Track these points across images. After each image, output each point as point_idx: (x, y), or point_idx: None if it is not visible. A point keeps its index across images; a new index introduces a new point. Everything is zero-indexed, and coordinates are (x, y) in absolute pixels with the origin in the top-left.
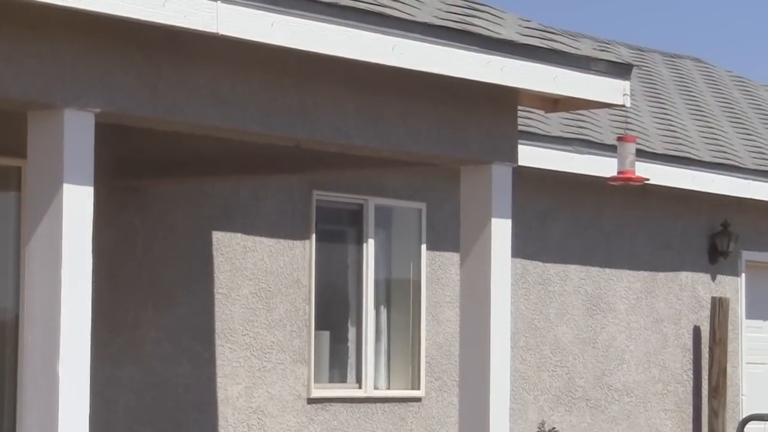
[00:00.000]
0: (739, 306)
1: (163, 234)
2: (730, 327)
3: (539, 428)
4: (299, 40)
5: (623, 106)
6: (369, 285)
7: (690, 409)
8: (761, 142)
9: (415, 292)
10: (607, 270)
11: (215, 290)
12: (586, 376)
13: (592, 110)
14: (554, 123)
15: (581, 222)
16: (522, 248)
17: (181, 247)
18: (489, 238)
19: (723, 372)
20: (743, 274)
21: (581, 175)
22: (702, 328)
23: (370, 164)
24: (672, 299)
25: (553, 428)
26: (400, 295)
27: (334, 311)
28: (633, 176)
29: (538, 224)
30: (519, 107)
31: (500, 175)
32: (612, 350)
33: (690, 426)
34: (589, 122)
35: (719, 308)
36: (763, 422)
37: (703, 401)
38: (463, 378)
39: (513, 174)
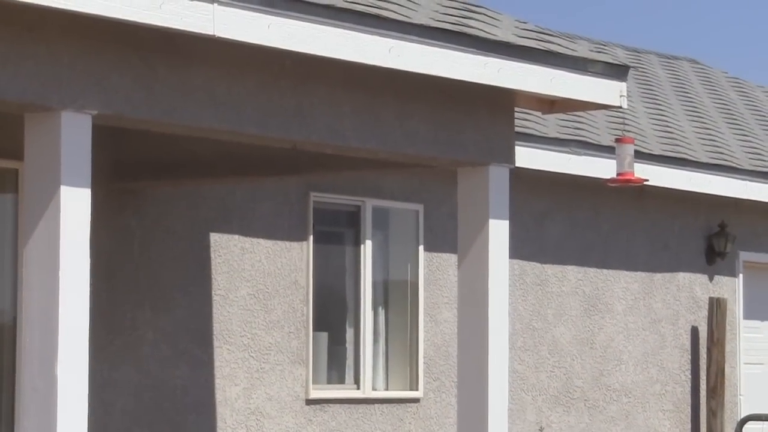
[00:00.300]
0: (736, 306)
1: (160, 236)
2: (727, 327)
3: None
4: (296, 41)
5: (620, 107)
6: (367, 286)
7: (688, 410)
8: (758, 143)
9: (413, 294)
10: (605, 271)
11: (213, 292)
12: (584, 377)
13: (588, 112)
14: (551, 124)
15: (578, 223)
16: (519, 249)
17: (179, 248)
18: (486, 240)
19: (721, 372)
20: (740, 275)
21: (578, 177)
22: (700, 328)
23: (367, 166)
24: (669, 300)
25: None
26: (397, 297)
27: (332, 312)
28: (632, 177)
29: (535, 225)
30: (516, 109)
31: (497, 177)
32: (610, 351)
33: (688, 426)
34: (585, 124)
35: (717, 309)
36: (761, 422)
37: (701, 401)
38: (462, 379)
39: (510, 175)
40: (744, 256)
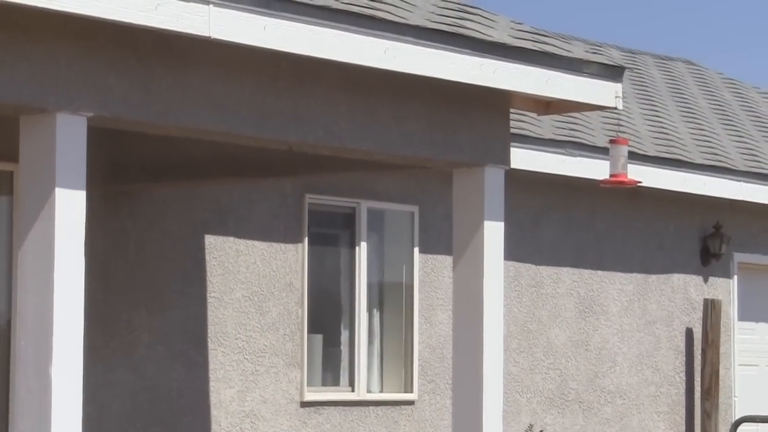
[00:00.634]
0: (731, 308)
1: (155, 237)
2: (722, 329)
3: (527, 431)
4: (292, 43)
5: (615, 108)
6: (362, 288)
7: (683, 411)
8: (753, 144)
9: (408, 295)
10: (600, 272)
11: (208, 294)
12: (578, 379)
13: (584, 113)
14: (546, 125)
15: (574, 224)
16: (514, 251)
17: (174, 250)
18: (482, 241)
19: (715, 374)
20: (735, 276)
21: (573, 178)
22: (694, 330)
23: (362, 167)
24: (664, 301)
25: (542, 431)
26: (392, 298)
27: (327, 314)
28: (625, 179)
29: (530, 227)
30: (511, 110)
31: (493, 178)
32: (604, 352)
33: (683, 428)
34: (581, 125)
35: (711, 310)
36: (755, 424)
37: (695, 403)
38: (456, 381)
39: (505, 176)
40: (739, 257)
